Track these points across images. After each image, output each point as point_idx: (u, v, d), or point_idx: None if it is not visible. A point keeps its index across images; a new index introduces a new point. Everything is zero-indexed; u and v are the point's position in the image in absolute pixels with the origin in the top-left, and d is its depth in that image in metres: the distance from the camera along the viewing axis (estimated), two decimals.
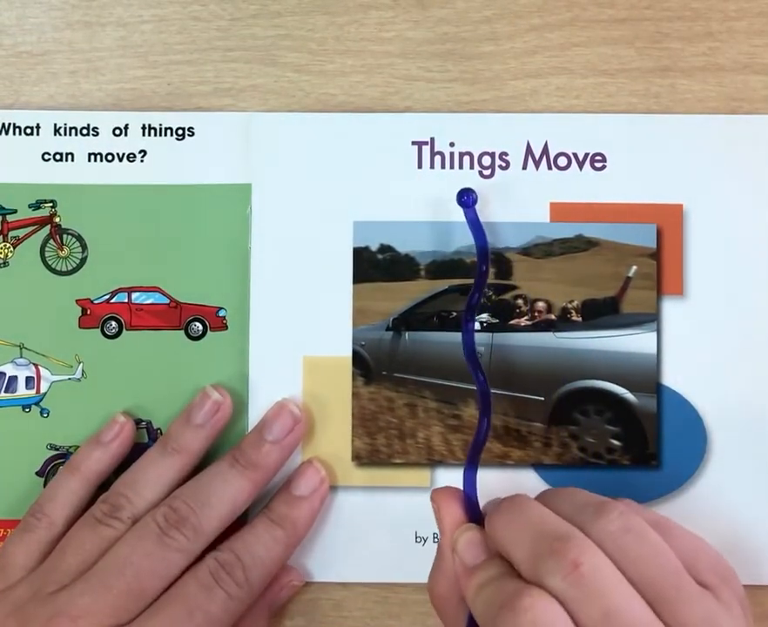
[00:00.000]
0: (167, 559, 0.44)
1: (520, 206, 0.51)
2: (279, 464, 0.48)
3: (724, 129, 0.51)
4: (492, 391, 0.49)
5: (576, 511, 0.40)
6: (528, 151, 0.51)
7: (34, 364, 0.51)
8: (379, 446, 0.50)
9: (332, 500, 0.50)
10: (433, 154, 0.51)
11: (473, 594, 0.40)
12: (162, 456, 0.47)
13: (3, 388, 0.50)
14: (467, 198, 0.49)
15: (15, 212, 0.51)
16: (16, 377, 0.51)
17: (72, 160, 0.51)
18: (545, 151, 0.51)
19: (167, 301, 0.51)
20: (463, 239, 0.50)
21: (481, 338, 0.50)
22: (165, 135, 0.51)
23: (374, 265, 0.50)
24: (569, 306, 0.50)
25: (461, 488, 0.45)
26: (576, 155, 0.51)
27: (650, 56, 0.51)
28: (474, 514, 0.44)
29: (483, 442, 0.46)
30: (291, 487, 0.48)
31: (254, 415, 0.50)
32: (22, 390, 0.51)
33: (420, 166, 0.51)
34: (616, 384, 0.50)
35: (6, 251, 0.51)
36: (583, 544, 0.37)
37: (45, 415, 0.50)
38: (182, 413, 0.49)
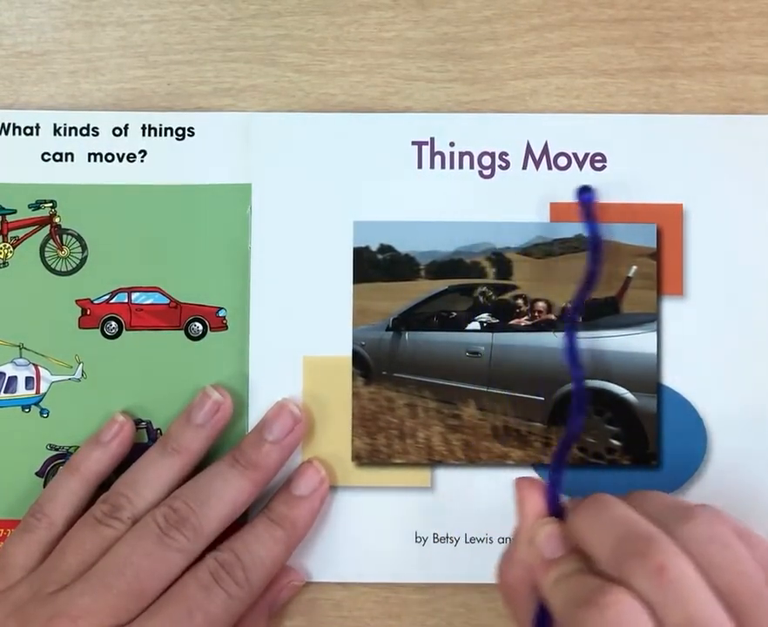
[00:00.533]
0: (167, 559, 0.44)
1: (520, 206, 0.51)
2: (279, 464, 0.48)
3: (724, 129, 0.51)
4: (492, 391, 0.49)
5: (661, 514, 0.39)
6: (528, 151, 0.51)
7: (34, 364, 0.51)
8: (379, 446, 0.50)
9: (332, 500, 0.50)
10: (433, 154, 0.51)
11: (550, 586, 0.40)
12: (162, 456, 0.47)
13: (3, 389, 0.50)
14: (587, 196, 0.49)
15: (14, 212, 0.51)
16: (15, 377, 0.51)
17: (72, 160, 0.51)
18: (545, 151, 0.51)
19: (167, 301, 0.51)
20: (463, 239, 0.50)
21: (481, 338, 0.50)
22: (165, 135, 0.51)
23: (374, 265, 0.50)
24: (569, 306, 0.50)
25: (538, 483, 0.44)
26: (575, 155, 0.51)
27: (650, 56, 0.51)
28: (556, 509, 0.43)
29: (574, 441, 0.46)
30: (291, 487, 0.48)
31: (254, 415, 0.50)
32: (21, 390, 0.50)
33: (420, 166, 0.51)
34: (616, 384, 0.50)
35: (6, 251, 0.51)
36: (669, 548, 0.37)
37: (45, 416, 0.50)
38: (182, 413, 0.49)
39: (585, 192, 0.49)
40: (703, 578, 0.36)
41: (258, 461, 0.47)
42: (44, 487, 0.49)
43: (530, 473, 0.50)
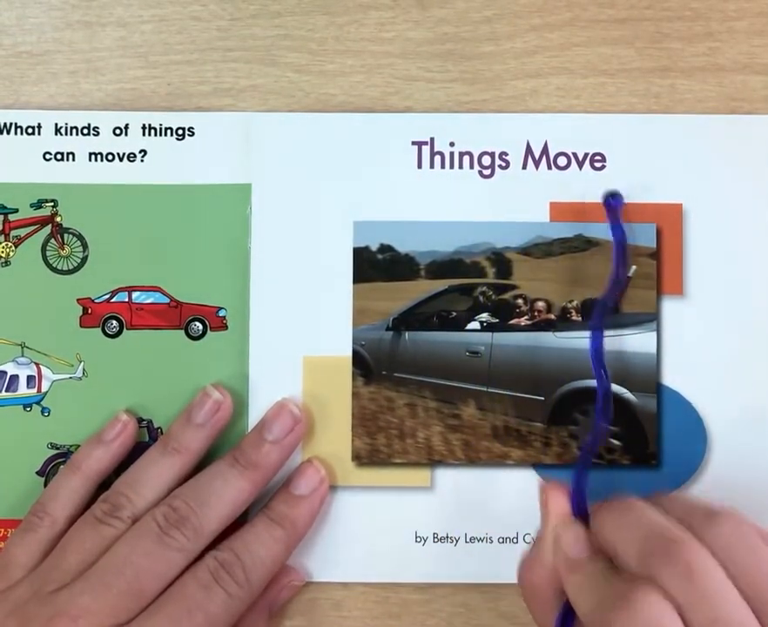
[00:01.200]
0: (167, 558, 0.44)
1: (520, 206, 0.51)
2: (279, 464, 0.48)
3: (724, 129, 0.51)
4: (492, 391, 0.49)
5: (687, 516, 0.40)
6: (528, 151, 0.51)
7: (35, 363, 0.51)
8: (379, 446, 0.50)
9: (332, 500, 0.50)
10: (433, 154, 0.51)
11: (576, 588, 0.40)
12: (162, 456, 0.47)
13: (4, 387, 0.51)
14: (615, 202, 0.49)
15: (16, 211, 0.51)
16: (17, 376, 0.51)
17: (73, 160, 0.51)
18: (545, 150, 0.51)
19: (167, 301, 0.51)
20: (463, 239, 0.50)
21: (481, 338, 0.50)
22: (165, 135, 0.51)
23: (374, 265, 0.50)
24: (569, 305, 0.50)
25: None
26: (575, 155, 0.51)
27: (650, 56, 0.51)
28: (581, 512, 0.44)
29: (599, 443, 0.47)
30: (291, 486, 0.48)
31: (254, 415, 0.50)
32: (23, 389, 0.51)
33: (420, 166, 0.51)
34: (616, 384, 0.49)
35: (8, 250, 0.51)
36: (697, 549, 0.37)
37: (46, 414, 0.50)
38: (182, 412, 0.49)
39: (613, 197, 0.49)
40: (730, 580, 0.37)
41: (257, 460, 0.47)
42: (45, 486, 0.49)
43: (530, 473, 0.50)
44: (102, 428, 0.49)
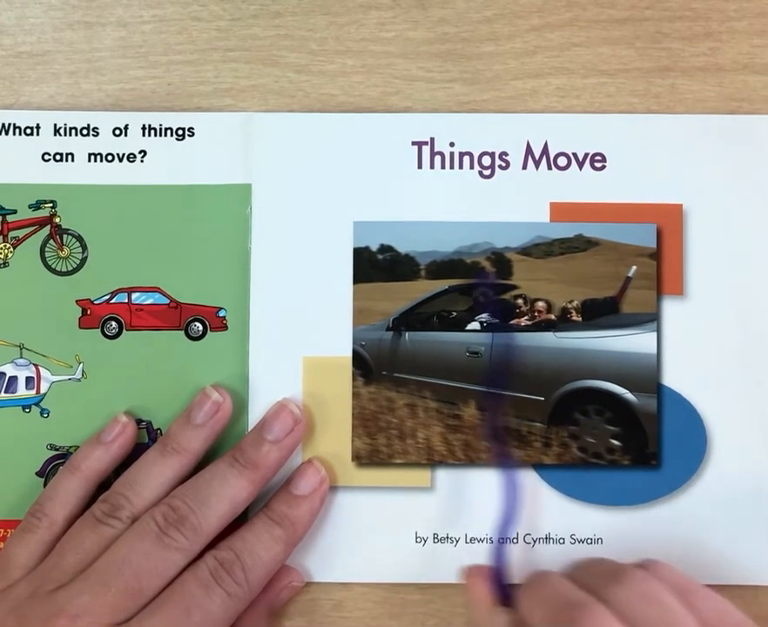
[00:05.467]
0: (166, 558, 0.44)
1: (520, 206, 0.51)
2: (278, 464, 0.48)
3: (724, 129, 0.51)
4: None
5: (596, 579, 0.41)
6: (528, 151, 0.51)
7: (34, 364, 0.51)
8: (379, 446, 0.50)
9: (332, 500, 0.50)
10: (433, 154, 0.51)
11: None
12: (162, 456, 0.47)
13: (3, 389, 0.50)
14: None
15: (15, 212, 0.51)
16: (16, 377, 0.51)
17: (72, 160, 0.51)
18: (545, 151, 0.51)
19: (167, 302, 0.51)
20: (463, 239, 0.50)
21: (481, 338, 0.50)
22: (165, 135, 0.51)
23: (374, 265, 0.50)
24: (569, 306, 0.50)
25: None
26: (575, 155, 0.51)
27: (650, 56, 0.51)
28: (504, 596, 0.46)
29: (513, 517, 0.48)
30: (291, 486, 0.48)
31: (254, 415, 0.50)
32: (22, 390, 0.51)
33: (420, 166, 0.51)
34: (616, 384, 0.50)
35: (6, 251, 0.51)
36: (599, 611, 0.39)
37: (45, 416, 0.50)
38: (182, 413, 0.49)
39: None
40: None
41: (257, 460, 0.47)
42: (44, 486, 0.49)
43: (530, 473, 0.50)
44: (101, 428, 0.49)
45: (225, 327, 0.51)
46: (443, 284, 0.50)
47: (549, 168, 0.51)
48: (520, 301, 0.50)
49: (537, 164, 0.51)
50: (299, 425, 0.49)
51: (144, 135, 0.51)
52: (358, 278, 0.50)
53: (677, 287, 0.50)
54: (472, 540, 0.50)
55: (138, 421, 0.50)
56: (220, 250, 0.51)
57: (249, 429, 0.50)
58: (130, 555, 0.44)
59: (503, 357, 0.50)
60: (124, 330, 0.51)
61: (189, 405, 0.49)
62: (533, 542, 0.50)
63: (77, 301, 0.51)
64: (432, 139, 0.51)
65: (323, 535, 0.50)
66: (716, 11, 0.52)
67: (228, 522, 0.46)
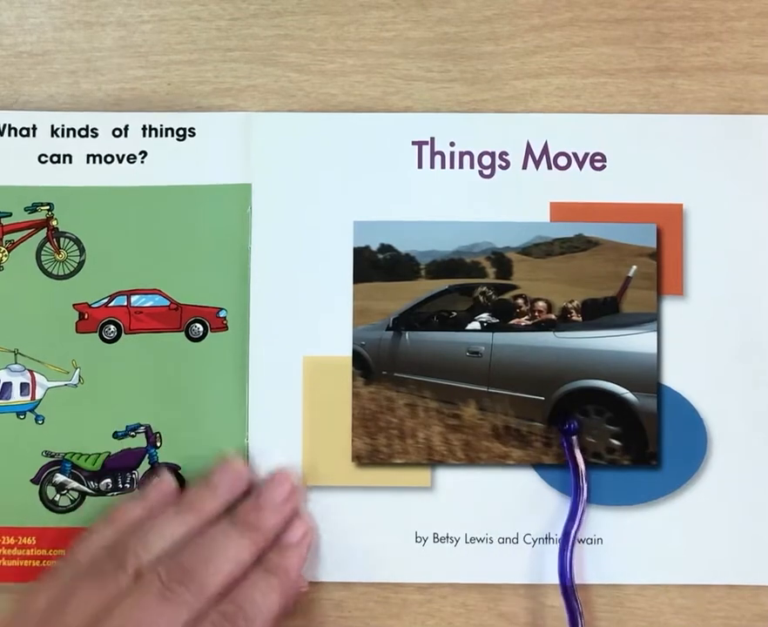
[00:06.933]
0: (169, 614, 0.44)
1: (520, 206, 0.51)
2: (278, 527, 0.48)
3: (724, 129, 0.51)
4: (492, 391, 0.49)
5: None
6: (528, 150, 0.51)
7: (29, 370, 0.50)
8: (379, 446, 0.50)
9: (332, 500, 0.50)
10: (433, 154, 0.51)
11: None
12: (177, 515, 0.47)
13: None
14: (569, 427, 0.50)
15: (10, 215, 0.51)
16: (10, 383, 0.50)
17: (70, 162, 0.51)
18: (545, 150, 0.51)
19: (168, 303, 0.50)
20: (463, 239, 0.50)
21: (481, 338, 0.50)
22: (166, 136, 0.51)
23: (374, 265, 0.50)
24: (569, 305, 0.50)
25: None
26: (575, 155, 0.51)
27: (650, 56, 0.51)
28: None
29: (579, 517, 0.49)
30: (281, 536, 0.48)
31: (254, 415, 0.50)
32: (16, 396, 0.50)
33: (420, 166, 0.51)
34: (617, 384, 0.50)
35: (0, 255, 0.51)
36: None
37: (40, 422, 0.50)
38: (203, 477, 0.49)
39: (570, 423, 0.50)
40: None
41: (257, 525, 0.47)
42: (40, 494, 0.49)
43: (530, 473, 0.50)
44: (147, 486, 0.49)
45: (225, 328, 0.50)
46: (443, 284, 0.50)
47: (549, 168, 0.51)
48: (520, 301, 0.50)
49: (537, 164, 0.51)
50: (297, 492, 0.49)
51: (144, 136, 0.51)
52: (358, 278, 0.50)
53: (677, 287, 0.50)
54: (472, 540, 0.50)
55: (137, 425, 0.50)
56: (220, 250, 0.50)
57: (248, 430, 0.50)
58: (133, 610, 0.44)
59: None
60: (122, 334, 0.50)
61: (210, 470, 0.49)
62: (533, 543, 0.50)
63: (74, 305, 0.50)
64: (432, 139, 0.51)
65: (323, 535, 0.50)
66: (716, 11, 0.52)
67: (231, 579, 0.46)
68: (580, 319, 0.50)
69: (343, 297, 0.50)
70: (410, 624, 0.50)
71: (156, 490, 0.49)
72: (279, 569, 0.47)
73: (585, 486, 0.49)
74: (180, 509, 0.47)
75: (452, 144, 0.51)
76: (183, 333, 0.50)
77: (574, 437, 0.49)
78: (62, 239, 0.51)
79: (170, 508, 0.48)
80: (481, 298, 0.50)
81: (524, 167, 0.51)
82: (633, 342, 0.50)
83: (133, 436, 0.50)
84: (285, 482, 0.49)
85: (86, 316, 0.50)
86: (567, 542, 0.48)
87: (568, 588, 0.48)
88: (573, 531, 0.48)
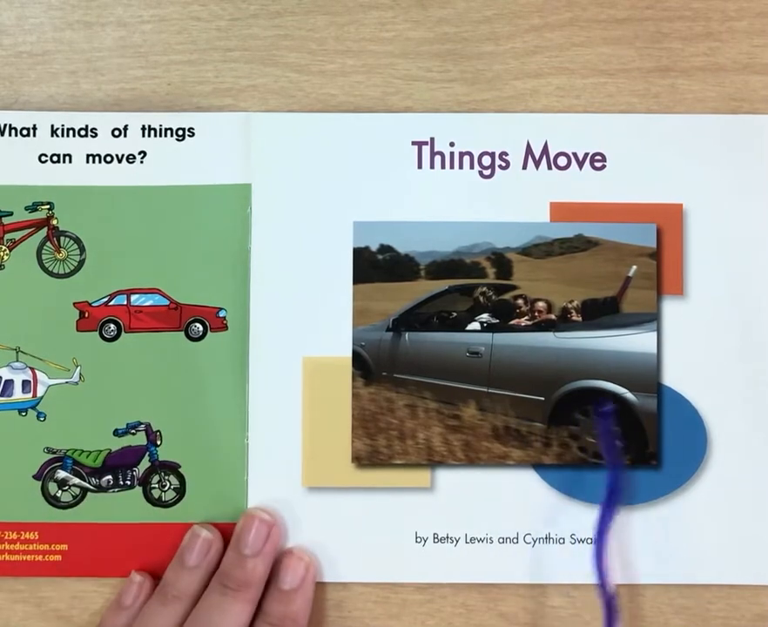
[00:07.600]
0: None
1: (520, 206, 0.51)
2: (266, 573, 0.48)
3: (724, 129, 0.51)
4: (492, 391, 0.49)
5: None
6: (528, 151, 0.51)
7: (30, 368, 0.50)
8: (379, 447, 0.50)
9: (332, 500, 0.50)
10: (433, 154, 0.51)
11: None
12: (163, 606, 0.47)
13: None
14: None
15: (11, 214, 0.51)
16: (12, 381, 0.50)
17: (70, 162, 0.51)
18: (545, 150, 0.51)
19: (167, 303, 0.50)
20: (463, 239, 0.50)
21: (481, 338, 0.50)
22: (165, 136, 0.51)
23: (374, 265, 0.50)
24: (569, 306, 0.50)
25: None
26: (575, 155, 0.51)
27: (650, 56, 0.51)
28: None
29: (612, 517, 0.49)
30: (279, 583, 0.48)
31: (254, 416, 0.50)
32: (18, 394, 0.50)
33: (420, 166, 0.51)
34: (617, 384, 0.50)
35: (2, 254, 0.51)
36: None
37: (42, 419, 0.50)
38: (175, 557, 0.48)
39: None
40: None
41: (246, 579, 0.47)
42: (42, 491, 0.50)
43: (530, 473, 0.50)
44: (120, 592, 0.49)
45: (225, 328, 0.50)
46: (443, 284, 0.50)
47: (549, 168, 0.51)
48: (520, 301, 0.50)
49: (537, 164, 0.51)
50: (275, 528, 0.49)
51: (144, 136, 0.51)
52: (358, 278, 0.50)
53: (677, 287, 0.50)
54: (472, 540, 0.50)
55: (137, 424, 0.50)
56: (220, 250, 0.51)
57: (248, 430, 0.50)
58: None
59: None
60: (122, 332, 0.51)
61: (180, 548, 0.48)
62: (533, 542, 0.50)
63: (74, 304, 0.50)
64: (432, 139, 0.51)
65: (323, 536, 0.50)
66: (716, 11, 0.52)
67: None
68: (580, 319, 0.50)
69: (343, 297, 0.50)
70: (410, 624, 0.50)
71: (130, 589, 0.48)
72: (286, 620, 0.47)
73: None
74: (165, 600, 0.47)
75: (452, 144, 0.51)
76: (182, 332, 0.50)
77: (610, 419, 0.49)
78: (62, 239, 0.51)
79: (152, 601, 0.47)
80: (481, 298, 0.50)
81: (524, 167, 0.51)
82: (633, 342, 0.50)
83: (134, 434, 0.50)
84: (259, 522, 0.48)
85: (86, 315, 0.50)
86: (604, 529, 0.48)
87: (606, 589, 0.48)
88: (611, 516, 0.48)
